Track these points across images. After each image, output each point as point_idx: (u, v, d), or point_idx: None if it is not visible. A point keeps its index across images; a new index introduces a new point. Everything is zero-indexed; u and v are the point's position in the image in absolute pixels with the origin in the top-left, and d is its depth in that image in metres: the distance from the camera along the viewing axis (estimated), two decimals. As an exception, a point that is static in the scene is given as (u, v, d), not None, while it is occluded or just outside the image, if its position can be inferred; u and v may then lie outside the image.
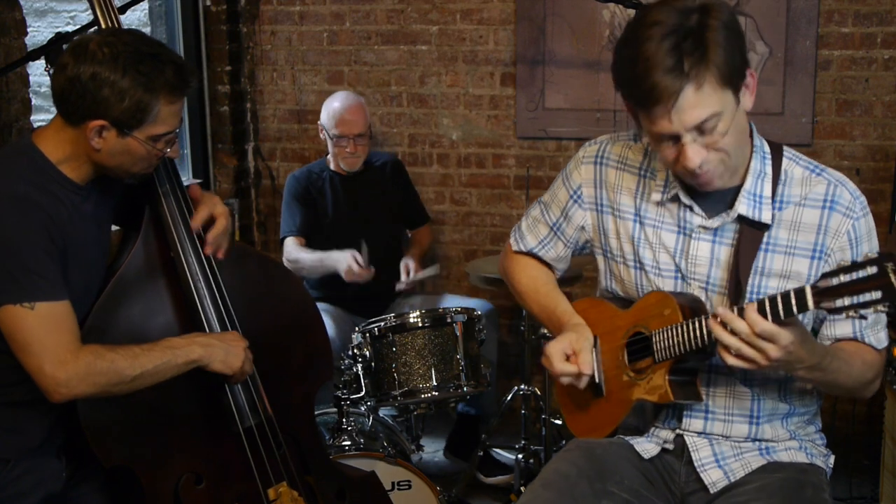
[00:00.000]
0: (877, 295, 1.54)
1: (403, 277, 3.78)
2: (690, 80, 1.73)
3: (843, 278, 1.58)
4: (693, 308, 1.92)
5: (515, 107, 4.16)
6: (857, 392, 1.95)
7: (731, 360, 1.75)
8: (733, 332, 1.73)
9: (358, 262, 3.60)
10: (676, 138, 1.80)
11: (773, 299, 1.70)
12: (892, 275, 1.52)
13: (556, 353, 2.03)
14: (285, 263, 3.72)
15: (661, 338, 1.93)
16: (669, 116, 1.76)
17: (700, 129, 1.78)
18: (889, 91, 3.72)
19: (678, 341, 1.88)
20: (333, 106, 3.83)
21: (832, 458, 2.09)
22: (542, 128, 4.13)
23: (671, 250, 2.01)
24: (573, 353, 2.02)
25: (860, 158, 3.80)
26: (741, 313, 1.72)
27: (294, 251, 3.79)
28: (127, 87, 1.97)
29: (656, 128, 1.80)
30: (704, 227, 1.97)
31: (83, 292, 2.13)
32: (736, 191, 1.93)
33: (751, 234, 1.93)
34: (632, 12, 3.46)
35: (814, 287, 1.62)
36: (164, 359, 2.07)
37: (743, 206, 1.92)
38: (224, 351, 2.14)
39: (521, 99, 4.13)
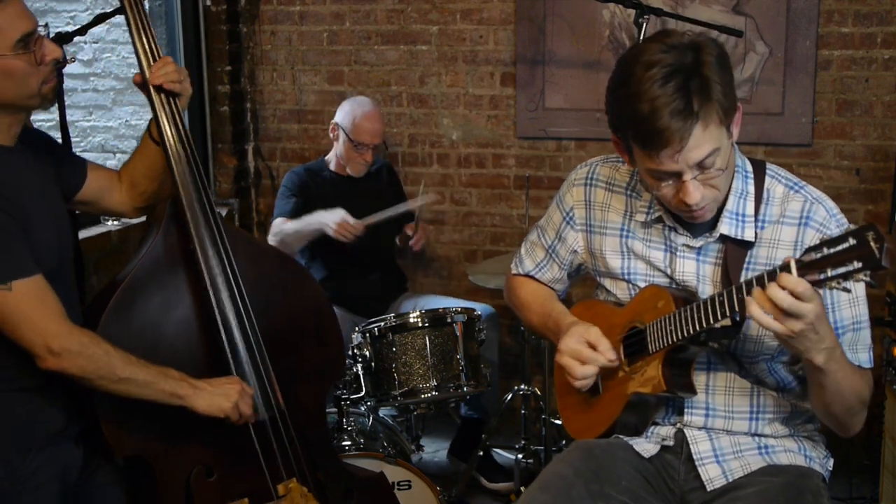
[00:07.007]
0: (858, 264, 1.55)
1: (409, 232, 3.85)
2: (699, 121, 1.75)
3: (827, 251, 1.60)
4: (686, 298, 1.94)
5: (515, 107, 4.16)
6: (852, 413, 1.90)
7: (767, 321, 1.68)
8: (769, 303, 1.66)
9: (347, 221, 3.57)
10: (677, 175, 1.82)
11: (759, 277, 1.70)
12: (872, 244, 1.53)
13: (572, 346, 2.01)
14: (271, 241, 3.69)
15: (655, 328, 1.94)
16: (676, 157, 1.78)
17: (701, 165, 1.80)
18: (889, 91, 3.72)
19: (671, 329, 1.90)
20: (358, 112, 3.81)
21: (831, 462, 2.09)
22: (542, 128, 4.13)
23: (660, 266, 2.04)
24: (588, 344, 2.01)
25: (860, 158, 3.80)
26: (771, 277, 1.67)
27: (279, 226, 3.74)
28: None
29: (661, 167, 1.82)
30: (688, 246, 2.00)
31: (56, 245, 2.13)
32: (719, 211, 1.94)
33: (735, 252, 1.95)
34: (631, 12, 3.45)
35: (798, 260, 1.64)
36: (155, 377, 2.10)
37: (725, 227, 1.94)
38: (210, 395, 2.16)
39: (521, 99, 4.13)
